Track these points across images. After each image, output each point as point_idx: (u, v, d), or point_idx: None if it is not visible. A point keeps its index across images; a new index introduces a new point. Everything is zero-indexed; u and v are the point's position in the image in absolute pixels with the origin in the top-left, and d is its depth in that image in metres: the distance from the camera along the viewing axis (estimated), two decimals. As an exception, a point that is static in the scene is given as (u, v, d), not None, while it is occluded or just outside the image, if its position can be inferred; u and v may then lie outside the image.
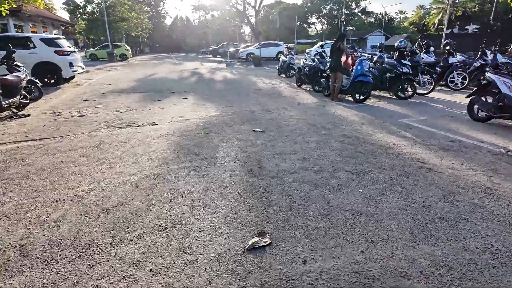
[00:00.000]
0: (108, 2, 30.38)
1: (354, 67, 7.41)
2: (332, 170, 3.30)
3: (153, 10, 65.41)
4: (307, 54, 24.83)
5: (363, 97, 7.35)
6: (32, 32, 25.52)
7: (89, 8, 31.70)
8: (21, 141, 4.45)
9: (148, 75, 14.23)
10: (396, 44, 7.94)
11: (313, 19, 77.73)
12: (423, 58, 9.07)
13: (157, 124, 5.44)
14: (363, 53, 9.73)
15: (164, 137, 4.60)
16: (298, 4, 72.95)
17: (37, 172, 3.29)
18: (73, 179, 3.12)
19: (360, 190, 2.83)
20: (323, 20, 77.45)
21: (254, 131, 4.93)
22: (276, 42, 27.94)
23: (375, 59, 8.19)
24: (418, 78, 8.07)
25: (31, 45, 9.74)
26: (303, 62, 10.16)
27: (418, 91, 7.97)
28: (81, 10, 31.61)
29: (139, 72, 16.00)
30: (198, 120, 5.73)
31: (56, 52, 9.86)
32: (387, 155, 3.75)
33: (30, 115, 6.13)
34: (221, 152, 3.94)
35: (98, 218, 2.41)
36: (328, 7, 73.50)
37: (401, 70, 7.48)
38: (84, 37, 38.06)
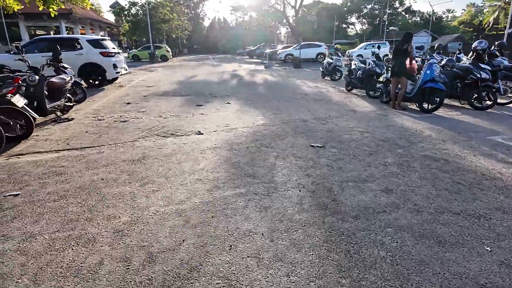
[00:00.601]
0: (151, 4, 31.22)
1: (423, 71, 6.45)
2: (433, 210, 2.53)
3: (192, 12, 66.91)
4: (351, 55, 23.59)
5: (432, 107, 6.37)
6: (81, 33, 26.86)
7: (133, 10, 32.83)
8: (62, 150, 4.15)
9: (188, 77, 14.06)
10: (474, 45, 6.85)
11: (353, 19, 75.22)
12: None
13: (202, 134, 4.96)
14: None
15: (212, 151, 4.07)
16: (338, 4, 70.86)
17: (75, 193, 2.88)
18: (113, 205, 2.65)
19: (488, 248, 2.05)
20: (364, 20, 74.65)
21: (312, 146, 4.25)
22: (317, 42, 26.92)
23: (443, 62, 7.13)
24: (497, 85, 6.90)
25: (78, 47, 9.83)
26: (355, 64, 9.28)
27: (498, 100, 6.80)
28: (125, 12, 32.82)
29: (179, 73, 15.94)
30: (246, 130, 5.17)
31: (101, 53, 9.87)
32: (499, 190, 2.89)
33: (73, 118, 5.95)
34: (279, 174, 3.31)
35: (143, 270, 1.87)
36: (369, 6, 70.72)
37: (478, 75, 6.39)
38: (127, 38, 39.62)
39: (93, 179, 3.18)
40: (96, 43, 10.04)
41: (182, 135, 4.88)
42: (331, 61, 12.91)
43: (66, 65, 7.60)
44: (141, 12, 32.49)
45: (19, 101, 4.33)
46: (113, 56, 10.22)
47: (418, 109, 6.66)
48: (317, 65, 21.33)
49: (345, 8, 70.72)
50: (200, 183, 3.08)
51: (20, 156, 3.92)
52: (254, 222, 2.38)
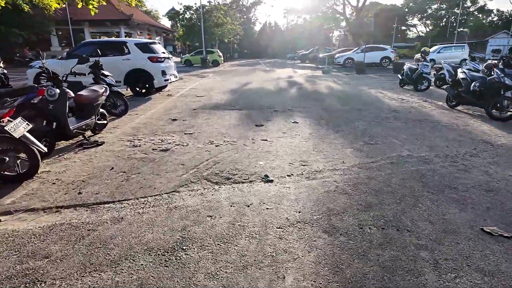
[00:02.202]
0: (206, 7, 30.91)
1: None
2: None
3: (244, 16, 66.66)
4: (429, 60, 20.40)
5: None
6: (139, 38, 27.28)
7: (187, 15, 32.86)
8: (66, 207, 2.71)
9: (242, 85, 12.59)
10: None
11: (415, 21, 69.03)
12: None
13: (272, 181, 3.24)
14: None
15: (298, 232, 2.30)
16: (398, 5, 65.41)
17: None
18: None
19: None
20: (427, 22, 68.13)
21: (485, 231, 2.28)
22: (381, 45, 24.10)
23: None
24: None
25: (126, 51, 8.83)
26: (465, 72, 6.93)
27: None
28: (180, 17, 32.97)
29: (231, 80, 14.58)
30: (338, 177, 3.33)
31: (149, 58, 8.75)
32: None
33: (103, 142, 4.62)
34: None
35: None
36: (434, 6, 64.28)
37: None
38: (181, 43, 40.11)
39: (82, 313, 1.59)
40: (144, 47, 8.95)
41: (243, 182, 3.21)
42: (414, 67, 10.53)
43: (107, 73, 6.48)
44: (195, 16, 32.35)
45: (17, 129, 2.99)
46: (162, 61, 9.06)
47: None
48: (382, 71, 18.80)
49: (406, 9, 65.03)
50: None
51: (2, 218, 2.55)
52: None
